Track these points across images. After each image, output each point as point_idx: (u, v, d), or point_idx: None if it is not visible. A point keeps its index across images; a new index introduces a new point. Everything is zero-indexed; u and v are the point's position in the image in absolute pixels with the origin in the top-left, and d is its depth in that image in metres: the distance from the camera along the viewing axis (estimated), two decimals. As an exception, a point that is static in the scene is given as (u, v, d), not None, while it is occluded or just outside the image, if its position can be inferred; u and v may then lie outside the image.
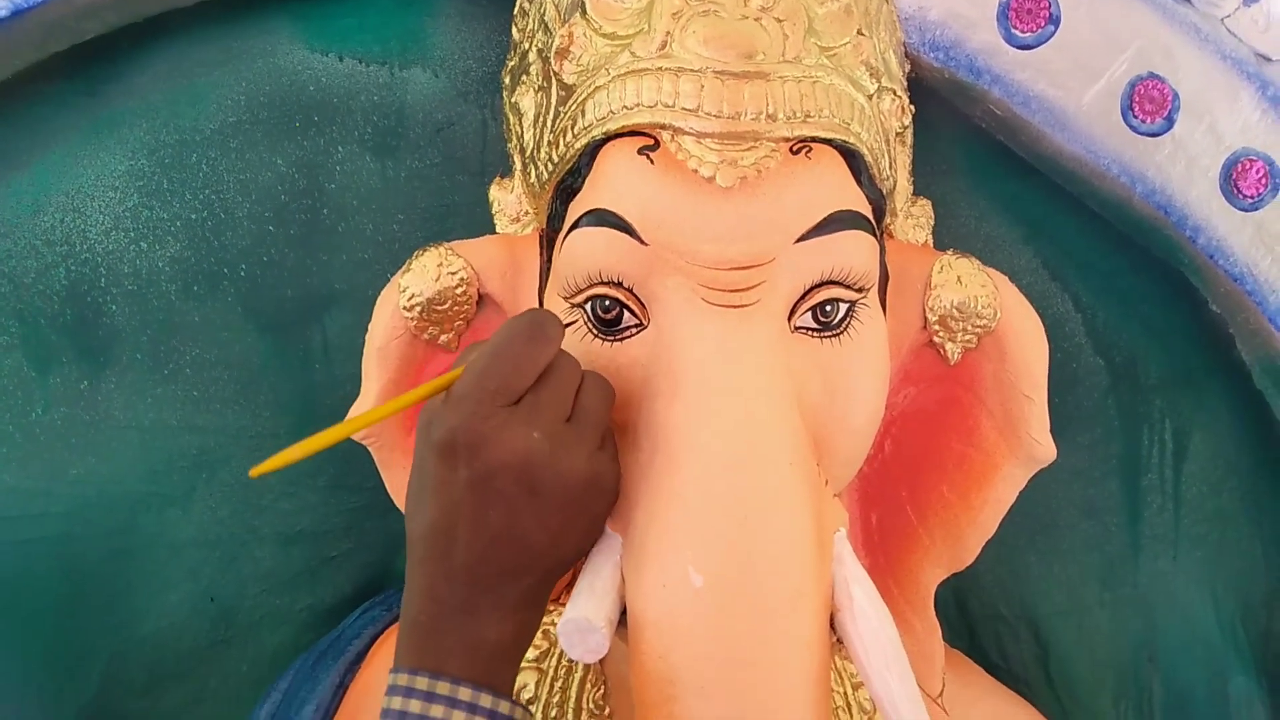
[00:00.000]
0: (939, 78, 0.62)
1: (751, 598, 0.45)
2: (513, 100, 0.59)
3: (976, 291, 0.56)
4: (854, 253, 0.50)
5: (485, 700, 0.46)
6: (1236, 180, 0.62)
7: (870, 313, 0.53)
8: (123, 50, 0.67)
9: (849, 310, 0.51)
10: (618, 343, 0.51)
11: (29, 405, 0.70)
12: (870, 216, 0.52)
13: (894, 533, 0.61)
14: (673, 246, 0.48)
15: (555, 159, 0.53)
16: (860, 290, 0.51)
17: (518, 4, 0.61)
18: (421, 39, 0.67)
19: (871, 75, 0.53)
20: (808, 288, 0.50)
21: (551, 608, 0.54)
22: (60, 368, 0.69)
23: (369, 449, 0.60)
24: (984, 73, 0.61)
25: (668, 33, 0.50)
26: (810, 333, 0.51)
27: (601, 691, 0.60)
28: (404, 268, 0.58)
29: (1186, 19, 0.61)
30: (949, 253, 0.58)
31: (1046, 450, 0.58)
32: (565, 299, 0.52)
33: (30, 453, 0.70)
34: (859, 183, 0.52)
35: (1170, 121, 0.61)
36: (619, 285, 0.50)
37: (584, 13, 0.51)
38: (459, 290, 0.57)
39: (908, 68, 0.61)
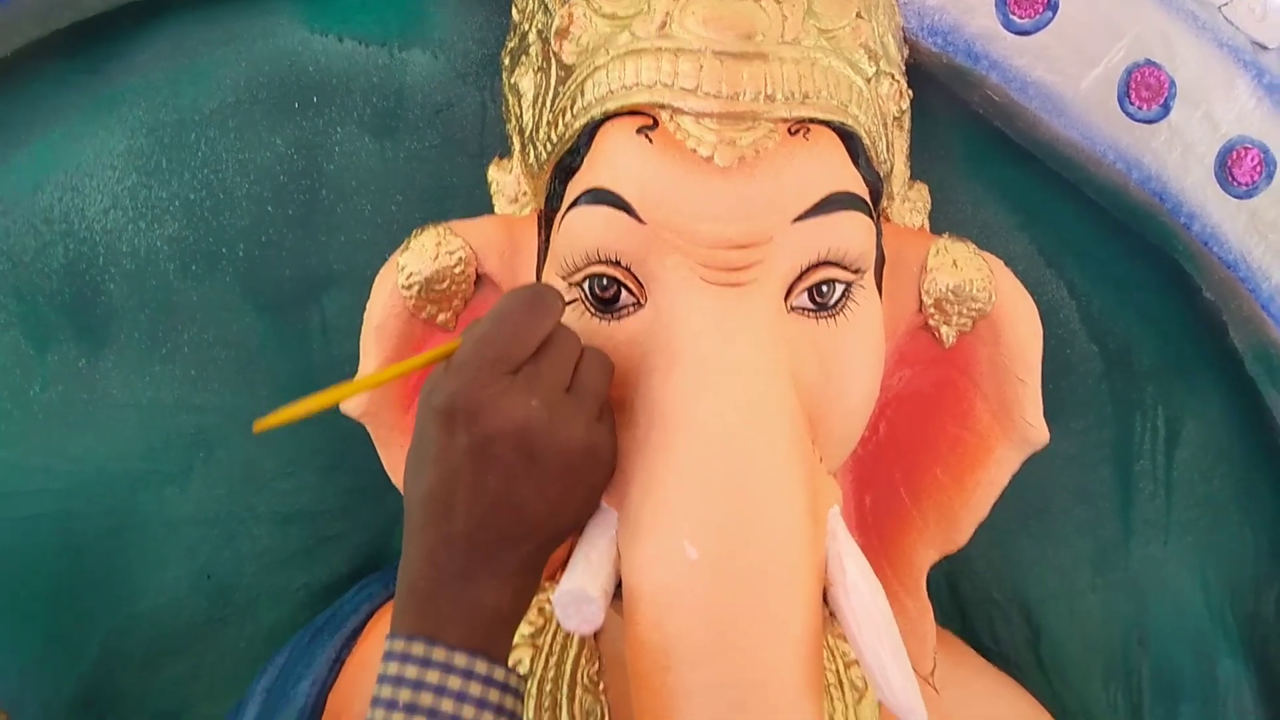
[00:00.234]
0: (937, 63, 0.62)
1: (745, 570, 0.45)
2: (512, 81, 0.59)
3: (972, 275, 0.57)
4: (850, 234, 0.51)
5: (481, 666, 0.46)
6: (1231, 167, 0.62)
7: (866, 294, 0.53)
8: (123, 29, 0.67)
9: (845, 291, 0.52)
10: (615, 321, 0.51)
11: (27, 383, 0.70)
12: (867, 198, 0.52)
13: (888, 514, 0.61)
14: (671, 225, 0.49)
15: (554, 139, 0.54)
16: (856, 271, 0.52)
17: (518, -15, 0.61)
18: (421, 21, 0.67)
19: (870, 58, 0.53)
20: (804, 268, 0.50)
21: (547, 585, 0.55)
22: (58, 346, 0.70)
23: (367, 428, 0.61)
24: (982, 58, 0.62)
25: (667, 13, 0.50)
26: (807, 312, 0.51)
27: (596, 667, 0.61)
28: (402, 246, 0.58)
29: (1184, 6, 0.61)
30: (945, 236, 0.58)
31: (1039, 433, 0.58)
32: (563, 278, 0.52)
33: (29, 430, 0.70)
34: (856, 165, 0.52)
35: (1167, 108, 0.62)
36: (617, 264, 0.50)
37: (584, -7, 0.52)
38: (457, 269, 0.57)
39: (906, 52, 0.61)
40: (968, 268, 0.57)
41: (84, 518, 0.71)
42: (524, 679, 0.49)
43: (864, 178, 0.52)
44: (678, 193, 0.49)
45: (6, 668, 0.72)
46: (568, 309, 0.51)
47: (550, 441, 0.46)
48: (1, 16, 0.63)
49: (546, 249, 0.56)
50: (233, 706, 0.68)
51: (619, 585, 0.48)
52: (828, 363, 0.51)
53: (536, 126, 0.56)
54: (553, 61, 0.54)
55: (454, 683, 0.45)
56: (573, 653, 0.61)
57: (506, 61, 0.61)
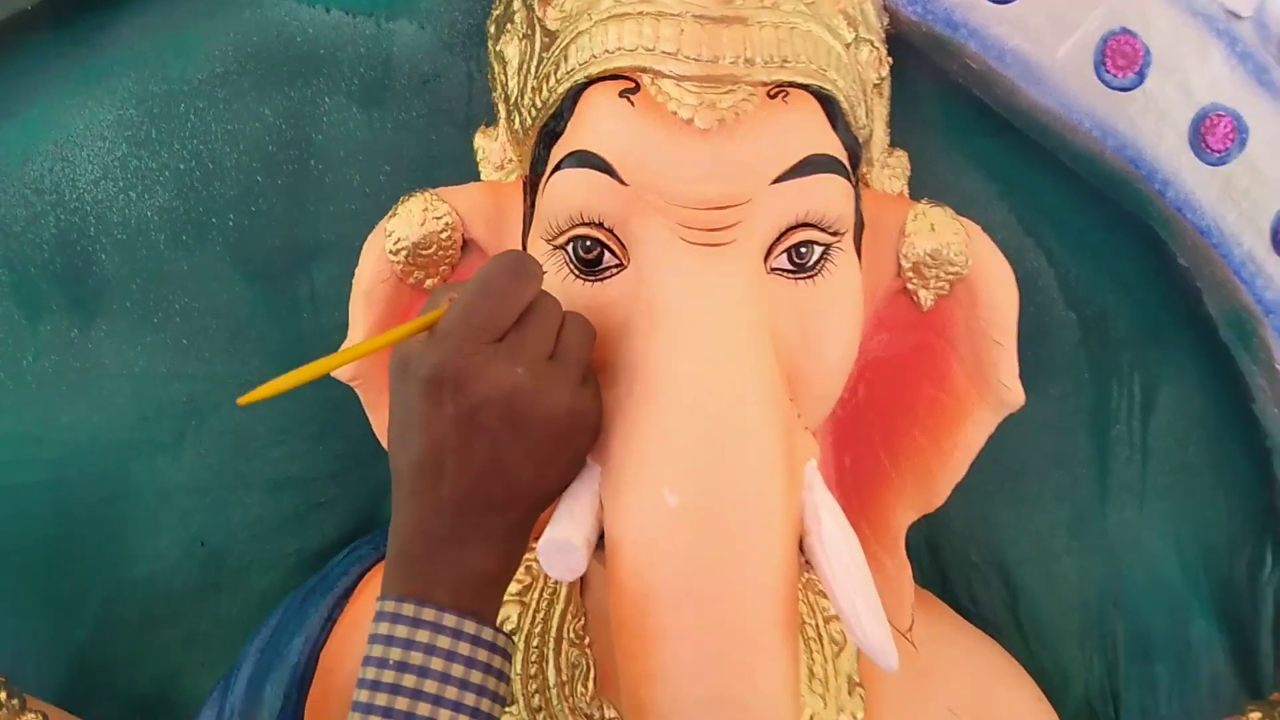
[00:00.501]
0: (917, 31, 0.63)
1: (723, 517, 0.46)
2: (497, 49, 0.60)
3: (949, 239, 0.58)
4: (829, 196, 0.51)
5: (469, 626, 0.47)
6: (1205, 135, 0.63)
7: (845, 257, 0.54)
8: (112, 0, 0.67)
9: (824, 253, 0.53)
10: (599, 283, 0.52)
11: (20, 353, 0.71)
12: (846, 162, 0.53)
13: (867, 474, 0.62)
14: (652, 187, 0.50)
15: (539, 104, 0.54)
16: (835, 234, 0.52)
17: (503, -46, 0.62)
18: (408, -9, 0.68)
19: (849, 24, 0.54)
20: (783, 229, 0.51)
21: (534, 545, 0.56)
22: (50, 316, 0.70)
23: (358, 392, 0.62)
24: (961, 26, 0.62)
25: (649, -23, 0.51)
26: (786, 274, 0.52)
27: (582, 622, 0.62)
28: (390, 213, 0.59)
29: (1159, -25, 0.62)
30: (923, 201, 0.59)
31: (1015, 395, 0.59)
32: (548, 241, 0.53)
33: (22, 400, 0.71)
34: (835, 129, 0.53)
35: (1141, 76, 0.63)
36: (600, 226, 0.51)
37: (568, -40, 0.52)
38: (444, 235, 0.58)
39: (886, 20, 0.62)
40: (945, 232, 0.58)
41: (78, 486, 0.72)
42: (512, 638, 0.50)
43: (842, 141, 0.53)
44: (659, 154, 0.49)
45: (3, 634, 0.73)
46: (552, 272, 0.52)
47: (536, 408, 0.47)
48: (-10, -12, 0.64)
49: (532, 214, 0.57)
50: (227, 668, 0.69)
51: (602, 537, 0.50)
52: (806, 323, 0.52)
53: (521, 93, 0.57)
54: (537, 28, 0.55)
55: (443, 641, 0.46)
56: (559, 609, 0.63)
57: (492, 29, 0.62)
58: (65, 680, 0.74)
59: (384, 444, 0.60)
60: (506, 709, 0.58)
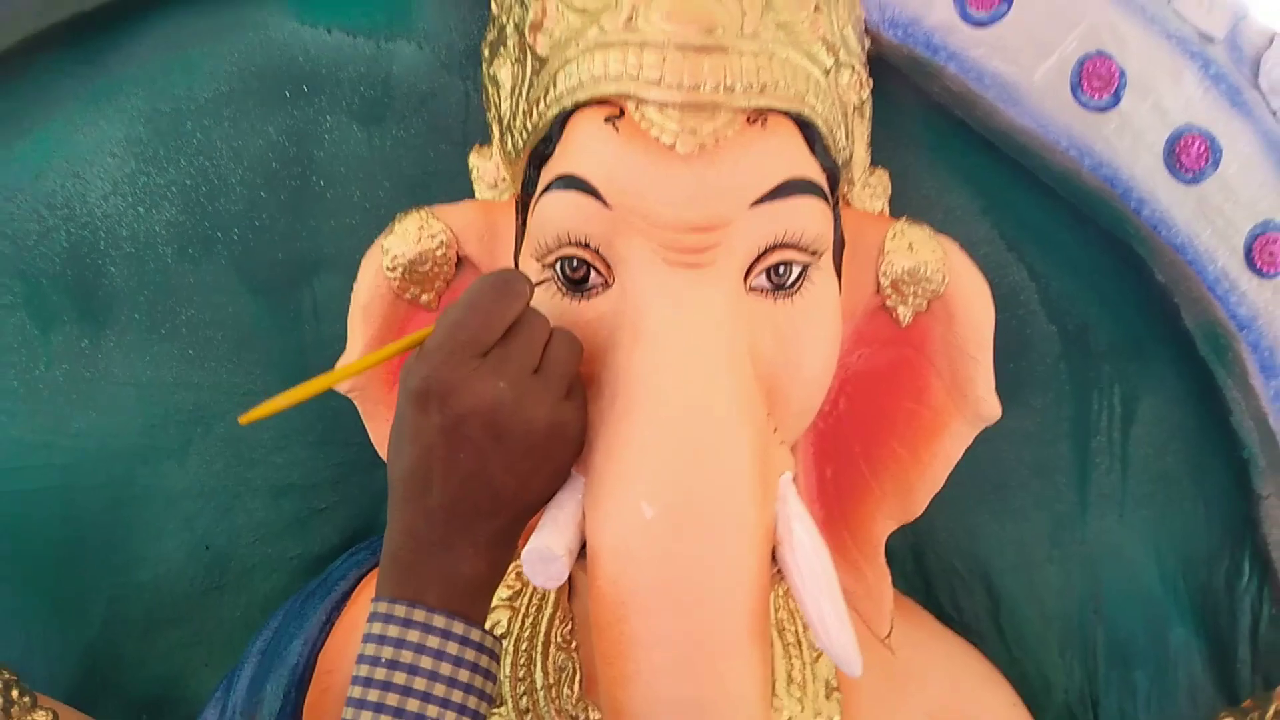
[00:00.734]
0: (899, 54, 0.65)
1: (697, 527, 0.48)
2: (491, 72, 0.62)
3: (927, 257, 0.59)
4: (807, 217, 0.53)
5: (458, 627, 0.49)
6: (1179, 155, 0.65)
7: (823, 275, 0.56)
8: (121, 21, 0.69)
9: (802, 272, 0.54)
10: (585, 300, 0.54)
11: (32, 362, 0.73)
12: (824, 184, 0.55)
13: (848, 485, 0.64)
14: (635, 209, 0.51)
15: (529, 127, 0.56)
16: (813, 254, 0.54)
17: (497, -20, 0.63)
18: (407, 13, 0.70)
19: (828, 50, 0.56)
20: (762, 249, 0.53)
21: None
22: (62, 326, 0.72)
23: (355, 402, 0.64)
24: (940, 49, 0.64)
25: (633, 8, 0.52)
26: (765, 292, 0.54)
27: (569, 627, 0.64)
28: (387, 230, 0.61)
29: (1134, -1, 0.64)
30: (902, 220, 0.61)
31: (991, 408, 0.61)
32: (538, 260, 0.55)
33: (34, 407, 0.73)
34: (813, 152, 0.54)
35: (1117, 98, 0.64)
36: (586, 246, 0.53)
37: (557, -12, 0.54)
38: (439, 252, 0.60)
39: (868, 44, 0.64)
40: (923, 250, 0.59)
41: (86, 491, 0.74)
42: (500, 640, 0.52)
43: (821, 164, 0.55)
44: (642, 178, 0.51)
45: (13, 634, 0.75)
46: (542, 289, 0.54)
47: (517, 421, 0.49)
48: (4, 10, 0.66)
49: (523, 232, 0.59)
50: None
51: (584, 546, 0.52)
52: (784, 340, 0.54)
53: (513, 115, 0.59)
54: (528, 53, 0.57)
55: (433, 641, 0.49)
56: (547, 614, 0.65)
57: (486, 53, 0.64)
58: (74, 679, 0.76)
59: (381, 453, 0.63)
60: (495, 710, 0.61)
